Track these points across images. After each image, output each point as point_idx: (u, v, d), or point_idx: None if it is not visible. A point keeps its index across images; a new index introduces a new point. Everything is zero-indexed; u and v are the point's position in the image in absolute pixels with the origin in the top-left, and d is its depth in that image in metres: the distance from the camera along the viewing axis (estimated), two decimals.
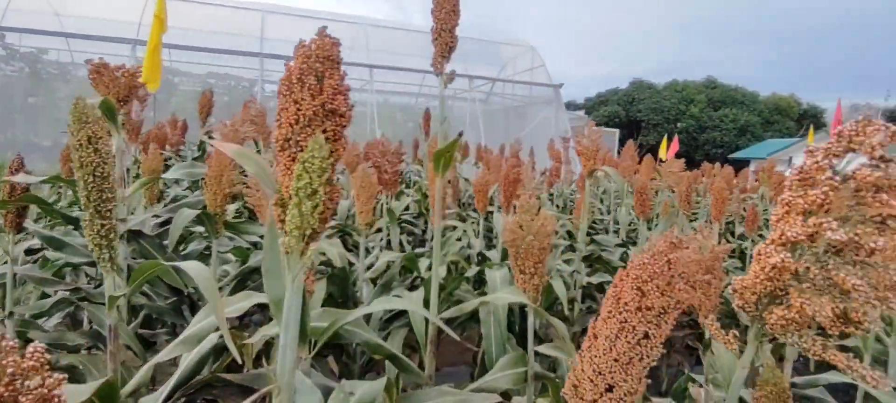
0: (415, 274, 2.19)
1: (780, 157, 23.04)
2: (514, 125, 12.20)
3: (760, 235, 3.67)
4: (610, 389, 0.55)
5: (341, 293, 1.86)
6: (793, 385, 1.60)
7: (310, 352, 0.94)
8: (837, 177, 0.46)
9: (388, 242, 2.65)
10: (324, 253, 1.83)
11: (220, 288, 1.89)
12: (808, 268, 0.49)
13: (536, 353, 1.19)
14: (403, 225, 3.24)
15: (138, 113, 3.70)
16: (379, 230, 2.92)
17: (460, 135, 0.89)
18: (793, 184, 0.50)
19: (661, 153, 8.58)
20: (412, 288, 2.12)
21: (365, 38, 10.31)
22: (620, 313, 0.54)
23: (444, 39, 1.08)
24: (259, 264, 1.90)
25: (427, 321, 2.03)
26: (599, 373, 0.55)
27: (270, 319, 1.07)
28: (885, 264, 0.47)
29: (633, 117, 34.24)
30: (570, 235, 2.95)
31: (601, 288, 2.41)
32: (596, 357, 0.55)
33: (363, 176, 1.93)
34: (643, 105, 33.85)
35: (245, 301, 1.01)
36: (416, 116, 12.26)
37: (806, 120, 32.55)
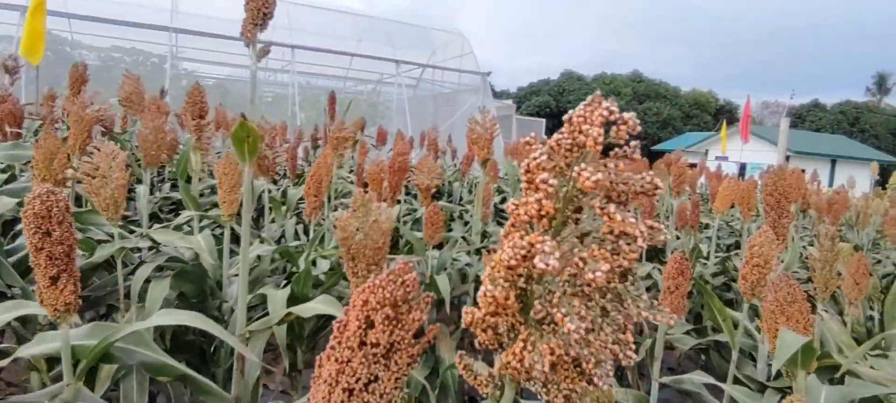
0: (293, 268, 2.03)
1: (697, 149, 24.32)
2: (443, 112, 12.11)
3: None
4: None
5: (197, 291, 1.67)
6: (663, 385, 1.57)
7: (74, 376, 0.77)
8: (553, 182, 0.36)
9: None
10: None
11: None
12: (529, 300, 0.39)
13: None
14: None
15: (5, 87, 3.29)
16: (273, 221, 2.73)
17: (243, 116, 0.75)
18: (523, 187, 0.40)
19: None
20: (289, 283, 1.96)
21: (287, 17, 9.85)
22: (341, 351, 0.42)
23: (257, 4, 0.93)
24: (105, 259, 1.68)
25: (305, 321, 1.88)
26: None
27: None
28: (618, 298, 0.37)
29: (564, 108, 34.69)
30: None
31: None
32: None
33: (226, 161, 1.74)
34: (573, 96, 34.74)
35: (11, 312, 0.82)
36: (343, 102, 11.93)
37: (722, 115, 34.52)
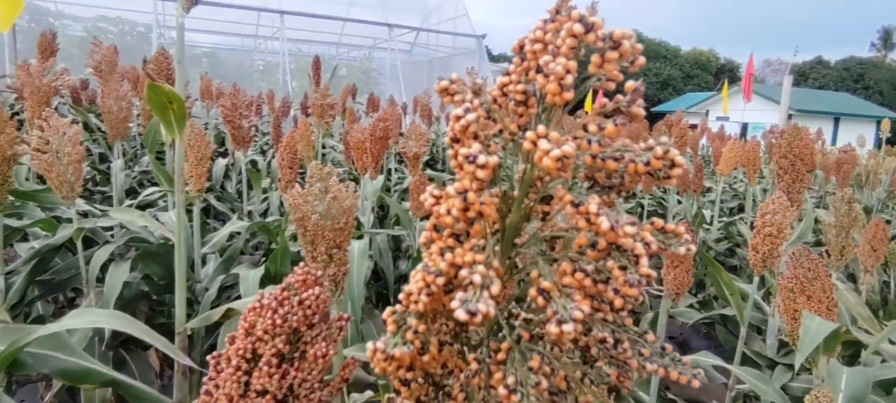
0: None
1: (698, 110, 23.99)
2: (438, 77, 11.82)
3: (665, 191, 3.63)
4: None
5: (165, 273, 1.56)
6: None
7: None
8: (492, 160, 0.23)
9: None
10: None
11: (11, 272, 1.54)
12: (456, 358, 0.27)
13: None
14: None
15: None
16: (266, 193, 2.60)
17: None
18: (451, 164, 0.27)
19: (588, 106, 8.56)
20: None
21: None
22: (222, 381, 0.30)
23: None
24: (65, 240, 1.56)
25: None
26: None
27: None
28: (603, 344, 0.24)
29: None
30: None
31: None
32: None
33: (191, 133, 1.60)
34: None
35: None
36: (336, 68, 11.63)
37: (723, 74, 33.98)
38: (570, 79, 0.21)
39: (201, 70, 8.45)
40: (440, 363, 0.27)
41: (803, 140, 1.31)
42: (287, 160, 1.62)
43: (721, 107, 13.76)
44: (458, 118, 0.24)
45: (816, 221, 2.00)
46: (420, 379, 0.27)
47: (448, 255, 0.22)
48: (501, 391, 0.22)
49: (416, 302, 0.23)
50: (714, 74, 36.61)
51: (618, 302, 0.22)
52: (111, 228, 1.95)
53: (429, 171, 3.38)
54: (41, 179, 2.10)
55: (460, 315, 0.19)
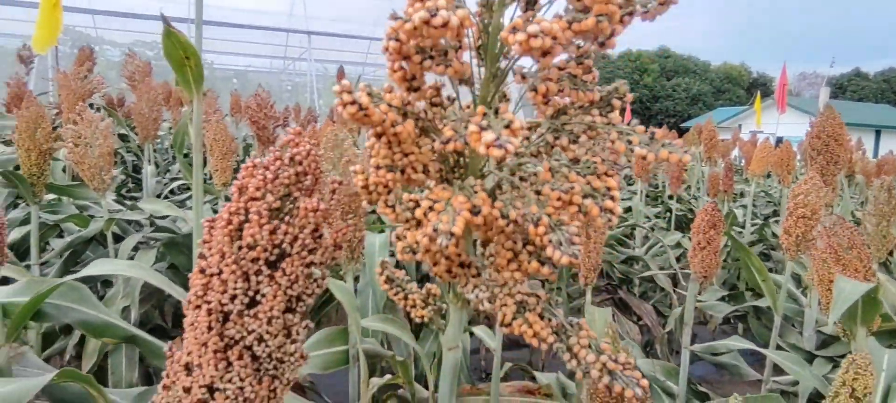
0: None
1: (730, 124, 23.52)
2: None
3: (695, 197, 3.55)
4: (211, 393, 0.31)
5: (190, 264, 1.58)
6: (695, 356, 1.42)
7: (9, 337, 0.67)
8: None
9: None
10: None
11: (46, 263, 1.59)
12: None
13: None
14: None
15: (20, 76, 3.28)
16: None
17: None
18: None
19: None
20: None
21: (303, 5, 9.79)
22: (209, 258, 0.29)
23: None
24: (97, 232, 1.60)
25: None
26: (188, 369, 0.30)
27: None
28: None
29: None
30: None
31: None
32: (187, 341, 0.30)
33: (216, 128, 1.64)
34: (599, 74, 33.91)
35: None
36: (361, 82, 11.81)
37: (756, 88, 33.33)
38: None
39: (232, 88, 8.69)
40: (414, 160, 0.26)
41: (837, 120, 1.26)
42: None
43: (754, 121, 13.46)
44: None
45: (853, 215, 1.92)
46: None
47: None
48: (490, 151, 0.21)
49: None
50: (746, 89, 35.95)
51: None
52: (142, 227, 1.99)
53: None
54: (75, 178, 2.18)
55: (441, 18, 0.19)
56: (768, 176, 4.36)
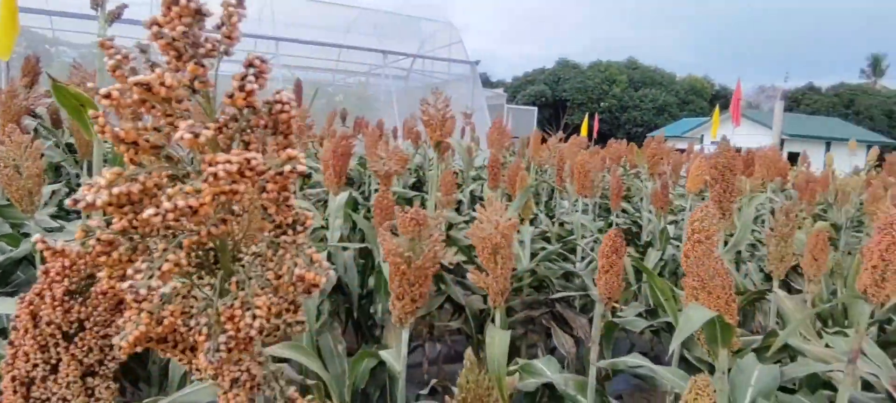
0: None
1: (693, 135, 24.20)
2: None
3: (638, 211, 3.68)
4: None
5: None
6: (617, 370, 1.51)
7: None
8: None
9: None
10: None
11: None
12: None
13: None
14: None
15: None
16: None
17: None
18: None
19: (583, 131, 8.67)
20: None
21: (271, 10, 9.73)
22: (16, 332, 0.35)
23: None
24: (26, 253, 1.61)
25: None
26: None
27: None
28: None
29: (559, 96, 34.88)
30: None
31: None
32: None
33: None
34: (568, 85, 34.53)
35: None
36: (331, 94, 11.78)
37: (717, 100, 34.32)
38: None
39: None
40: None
41: (730, 153, 1.38)
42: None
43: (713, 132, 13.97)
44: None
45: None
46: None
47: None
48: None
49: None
50: (709, 100, 36.97)
51: None
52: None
53: (396, 189, 3.44)
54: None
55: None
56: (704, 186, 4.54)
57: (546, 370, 1.39)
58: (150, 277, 0.28)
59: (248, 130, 0.33)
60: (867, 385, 1.35)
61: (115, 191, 0.29)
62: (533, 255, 2.41)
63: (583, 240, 2.59)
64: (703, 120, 28.62)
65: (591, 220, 3.10)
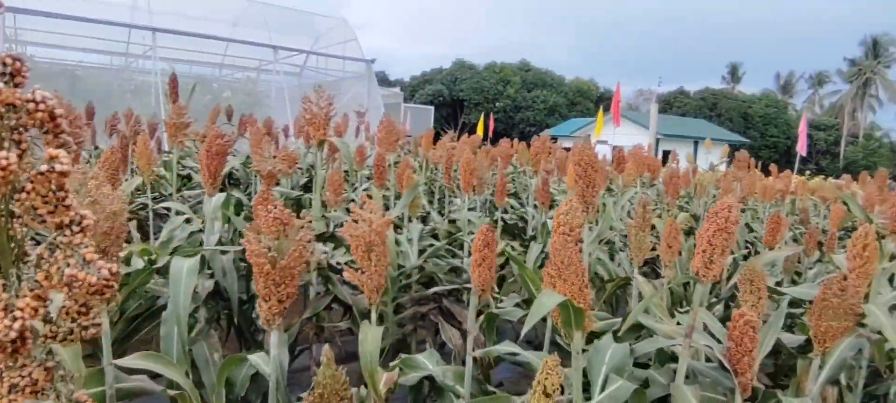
0: None
1: (581, 134, 25.79)
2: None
3: (523, 205, 3.86)
4: None
5: None
6: (498, 359, 1.57)
7: None
8: None
9: None
10: None
11: None
12: None
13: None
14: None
15: None
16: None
17: None
18: None
19: (479, 130, 8.88)
20: None
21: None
22: None
23: None
24: None
25: None
26: None
27: None
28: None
29: (456, 96, 35.58)
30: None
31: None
32: None
33: None
34: (465, 85, 35.31)
35: None
36: (218, 90, 11.14)
37: (602, 102, 36.77)
38: None
39: (54, 89, 7.74)
40: None
41: (590, 151, 1.49)
42: (107, 174, 1.56)
43: (604, 132, 14.99)
44: None
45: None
46: None
47: None
48: None
49: None
50: (595, 102, 39.47)
51: None
52: None
53: (280, 189, 3.35)
54: None
55: None
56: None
57: (427, 363, 1.42)
58: None
59: (19, 130, 0.31)
60: (708, 360, 1.52)
61: None
62: (421, 252, 2.45)
63: (470, 236, 2.67)
64: (589, 120, 30.55)
65: (478, 217, 3.20)
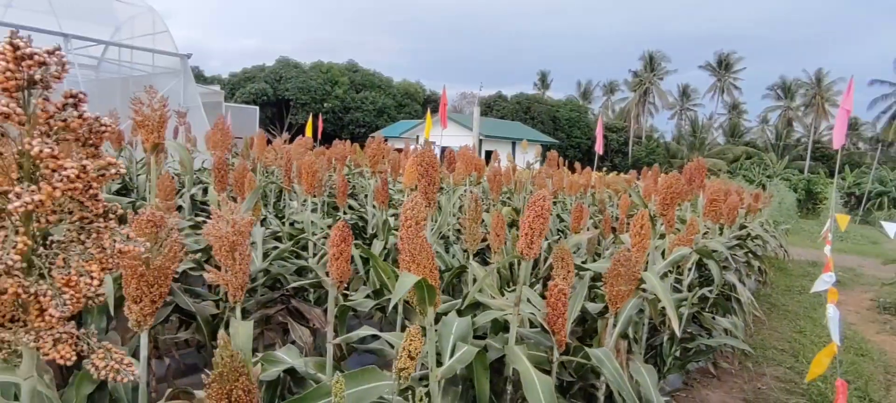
0: None
1: (410, 135, 26.59)
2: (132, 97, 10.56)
3: (363, 205, 3.99)
4: None
5: None
6: (351, 348, 1.67)
7: None
8: None
9: None
10: None
11: None
12: None
13: None
14: None
15: None
16: None
17: None
18: None
19: (308, 132, 8.70)
20: None
21: None
22: None
23: None
24: None
25: None
26: None
27: None
28: None
29: (282, 96, 34.25)
30: None
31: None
32: None
33: None
34: (291, 84, 34.16)
35: None
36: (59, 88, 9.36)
37: (429, 104, 38.29)
38: None
39: None
40: None
41: (431, 153, 1.68)
42: None
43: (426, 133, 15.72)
44: None
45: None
46: None
47: None
48: None
49: None
50: (422, 104, 40.93)
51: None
52: None
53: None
54: None
55: None
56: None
57: (286, 357, 1.48)
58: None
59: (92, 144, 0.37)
60: (532, 325, 1.80)
61: None
62: (265, 255, 2.44)
63: (314, 237, 2.72)
64: (417, 121, 31.62)
65: (320, 218, 3.25)
